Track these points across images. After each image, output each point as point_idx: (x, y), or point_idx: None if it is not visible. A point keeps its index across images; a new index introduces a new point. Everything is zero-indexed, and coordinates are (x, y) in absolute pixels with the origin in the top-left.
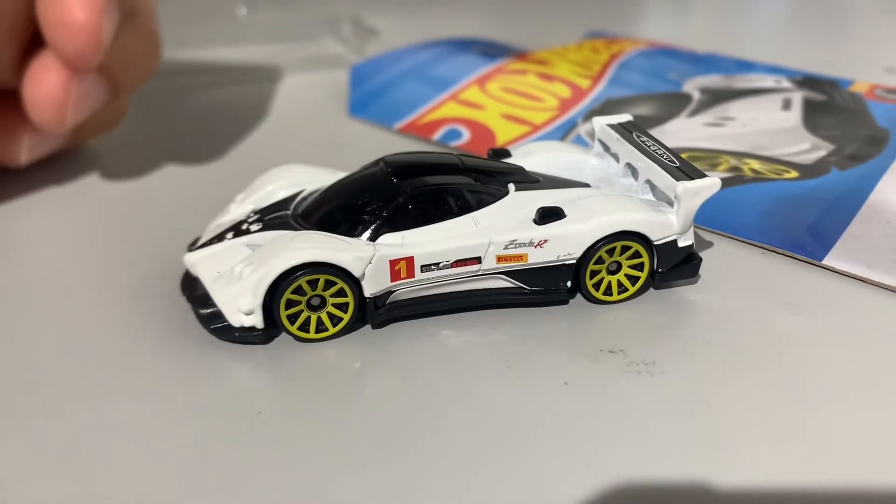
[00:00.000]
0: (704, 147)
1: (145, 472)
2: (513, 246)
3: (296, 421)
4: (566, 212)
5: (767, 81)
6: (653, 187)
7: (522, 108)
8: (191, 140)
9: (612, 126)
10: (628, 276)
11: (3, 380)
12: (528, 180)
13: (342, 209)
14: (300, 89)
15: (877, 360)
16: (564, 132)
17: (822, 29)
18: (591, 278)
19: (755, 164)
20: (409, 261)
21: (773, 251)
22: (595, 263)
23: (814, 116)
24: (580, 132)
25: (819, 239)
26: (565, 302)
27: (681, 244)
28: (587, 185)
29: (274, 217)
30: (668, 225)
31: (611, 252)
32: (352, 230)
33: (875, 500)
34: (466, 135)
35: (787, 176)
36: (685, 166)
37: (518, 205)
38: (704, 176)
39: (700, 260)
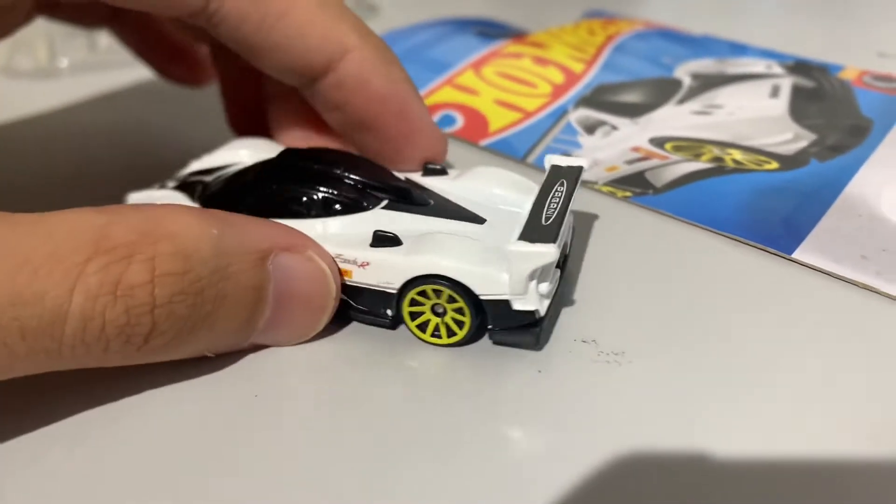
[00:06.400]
0: (690, 136)
1: None
2: (340, 260)
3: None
4: (404, 241)
5: (758, 66)
6: None
7: (516, 93)
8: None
9: (555, 166)
10: (456, 322)
11: None
12: (410, 201)
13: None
14: None
15: (838, 354)
16: (555, 119)
17: (819, 11)
18: (412, 319)
19: (737, 155)
20: None
21: (746, 244)
22: (412, 305)
23: (801, 104)
24: (570, 120)
25: (792, 232)
26: (390, 327)
27: (516, 306)
28: (482, 221)
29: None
30: (497, 281)
31: (425, 293)
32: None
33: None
34: (460, 121)
35: (767, 167)
36: (545, 229)
37: (372, 223)
38: (549, 242)
39: (539, 330)
